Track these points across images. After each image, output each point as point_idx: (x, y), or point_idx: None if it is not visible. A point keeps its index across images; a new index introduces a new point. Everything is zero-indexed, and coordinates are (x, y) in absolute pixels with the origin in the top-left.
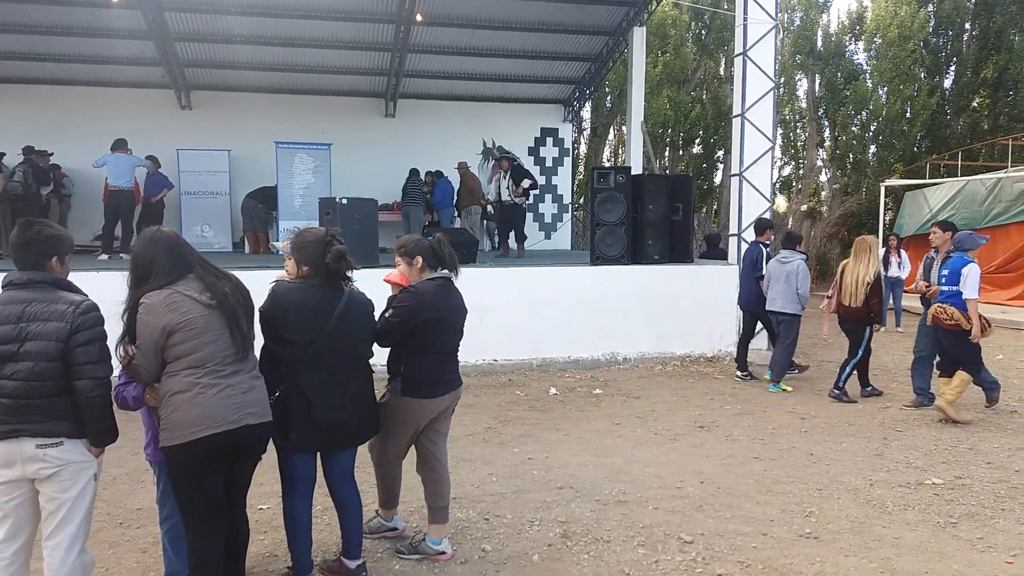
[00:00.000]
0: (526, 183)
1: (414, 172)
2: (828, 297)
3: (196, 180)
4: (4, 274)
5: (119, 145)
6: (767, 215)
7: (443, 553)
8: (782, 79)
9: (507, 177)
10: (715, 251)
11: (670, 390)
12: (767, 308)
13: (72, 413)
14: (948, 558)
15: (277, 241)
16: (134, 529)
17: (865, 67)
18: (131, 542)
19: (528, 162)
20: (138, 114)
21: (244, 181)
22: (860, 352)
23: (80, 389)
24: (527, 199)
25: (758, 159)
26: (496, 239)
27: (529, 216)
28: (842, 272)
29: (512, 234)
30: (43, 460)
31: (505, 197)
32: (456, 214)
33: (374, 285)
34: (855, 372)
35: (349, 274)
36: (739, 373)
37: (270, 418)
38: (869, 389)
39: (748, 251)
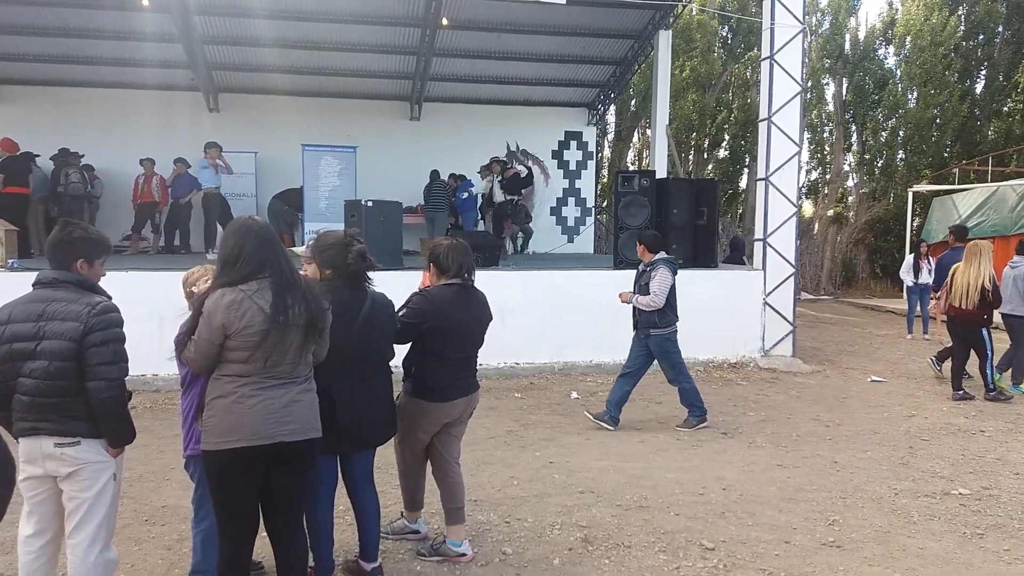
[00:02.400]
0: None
1: (435, 175)
2: (937, 299)
3: (224, 182)
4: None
5: (205, 148)
6: (793, 220)
7: (464, 555)
8: (809, 83)
9: (499, 180)
10: (739, 255)
11: None
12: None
13: (89, 413)
14: (974, 569)
15: (297, 247)
16: (160, 526)
17: (895, 71)
18: (157, 539)
19: (552, 165)
20: (166, 116)
21: (271, 183)
22: (989, 352)
23: (92, 390)
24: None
25: (784, 163)
26: (520, 242)
27: (552, 219)
28: (953, 275)
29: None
30: (61, 459)
31: (499, 199)
32: (480, 217)
33: (397, 287)
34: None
35: (370, 274)
36: (937, 365)
37: (315, 434)
38: (960, 393)
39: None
